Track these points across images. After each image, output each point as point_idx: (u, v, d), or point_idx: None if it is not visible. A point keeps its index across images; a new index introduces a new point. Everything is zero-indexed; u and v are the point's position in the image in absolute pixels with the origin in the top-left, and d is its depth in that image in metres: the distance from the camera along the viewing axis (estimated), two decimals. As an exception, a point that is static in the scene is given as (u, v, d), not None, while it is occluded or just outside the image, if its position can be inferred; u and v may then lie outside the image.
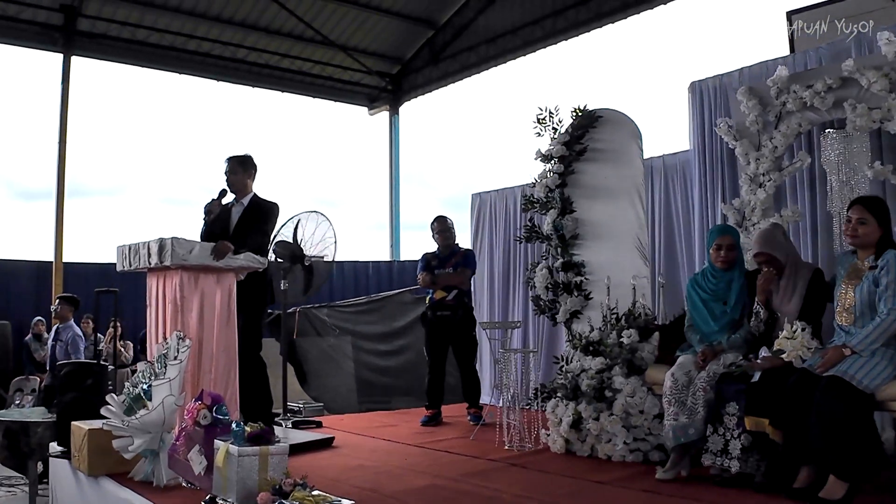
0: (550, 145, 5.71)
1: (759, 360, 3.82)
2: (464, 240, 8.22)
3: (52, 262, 10.94)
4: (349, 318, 9.21)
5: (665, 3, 9.89)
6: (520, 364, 5.26)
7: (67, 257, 11.06)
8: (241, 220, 5.12)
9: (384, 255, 13.81)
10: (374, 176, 14.58)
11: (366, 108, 14.11)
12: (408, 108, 14.09)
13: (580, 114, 5.63)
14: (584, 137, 5.59)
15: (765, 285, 3.99)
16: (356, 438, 5.40)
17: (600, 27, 10.58)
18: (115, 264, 4.82)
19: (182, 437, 3.50)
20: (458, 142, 20.58)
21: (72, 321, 8.06)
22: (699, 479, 3.86)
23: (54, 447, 4.62)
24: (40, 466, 5.26)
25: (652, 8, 9.91)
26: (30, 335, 9.86)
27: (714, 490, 3.65)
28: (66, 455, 4.39)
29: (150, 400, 3.71)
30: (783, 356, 3.67)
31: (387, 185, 14.12)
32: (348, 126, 17.37)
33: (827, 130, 4.57)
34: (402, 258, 13.53)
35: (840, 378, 3.38)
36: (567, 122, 5.67)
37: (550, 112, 5.69)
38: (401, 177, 14.16)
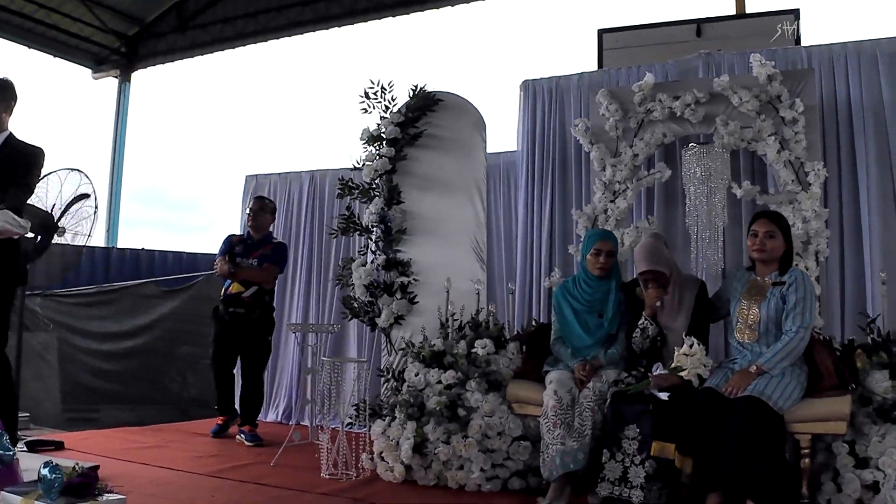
0: (380, 124, 5.03)
1: (654, 377, 3.47)
2: (233, 226, 7.12)
3: None
4: (70, 310, 7.51)
5: (444, 6, 9.66)
6: (347, 375, 4.45)
7: None
8: (-10, 165, 3.68)
9: (97, 240, 11.82)
10: (94, 149, 12.46)
11: (90, 71, 12.01)
12: (143, 77, 12.27)
13: (418, 94, 5.03)
14: (421, 121, 5.00)
15: (653, 302, 3.68)
16: (123, 466, 4.17)
17: (379, 19, 10.02)
18: None
19: (-72, 481, 2.22)
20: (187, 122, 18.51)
21: None
22: (587, 511, 3.42)
23: None
24: None
25: (437, 7, 9.59)
26: None
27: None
28: None
29: None
30: (682, 374, 3.38)
31: (108, 162, 12.13)
32: (68, 89, 14.74)
33: (690, 144, 4.46)
34: (119, 245, 11.68)
35: (757, 399, 3.15)
36: (402, 100, 5.05)
37: (383, 87, 5.02)
38: (125, 153, 12.26)
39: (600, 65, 6.72)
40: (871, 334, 3.49)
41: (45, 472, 2.05)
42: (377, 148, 5.05)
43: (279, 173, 6.95)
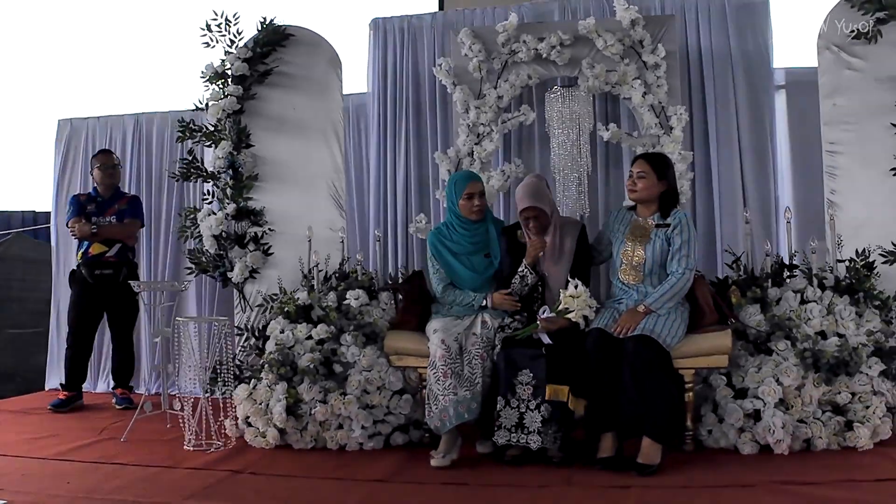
0: (225, 60, 4.62)
1: (542, 320, 3.43)
2: (46, 177, 6.29)
3: None
4: None
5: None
6: (200, 337, 4.04)
7: None
8: None
9: None
10: None
11: None
12: None
13: (267, 27, 4.64)
14: (271, 57, 4.67)
15: (536, 252, 3.61)
16: (-59, 457, 3.57)
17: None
18: None
19: None
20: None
21: None
22: (481, 460, 3.38)
23: None
24: None
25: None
26: None
27: (521, 472, 3.17)
28: None
29: None
30: (569, 316, 3.38)
31: None
32: None
33: (554, 87, 4.42)
34: None
35: (648, 337, 3.22)
36: (249, 35, 4.65)
37: (227, 19, 4.59)
38: None
39: (441, 6, 6.56)
40: (739, 272, 3.68)
41: None
42: (222, 86, 4.63)
43: (98, 117, 6.18)
